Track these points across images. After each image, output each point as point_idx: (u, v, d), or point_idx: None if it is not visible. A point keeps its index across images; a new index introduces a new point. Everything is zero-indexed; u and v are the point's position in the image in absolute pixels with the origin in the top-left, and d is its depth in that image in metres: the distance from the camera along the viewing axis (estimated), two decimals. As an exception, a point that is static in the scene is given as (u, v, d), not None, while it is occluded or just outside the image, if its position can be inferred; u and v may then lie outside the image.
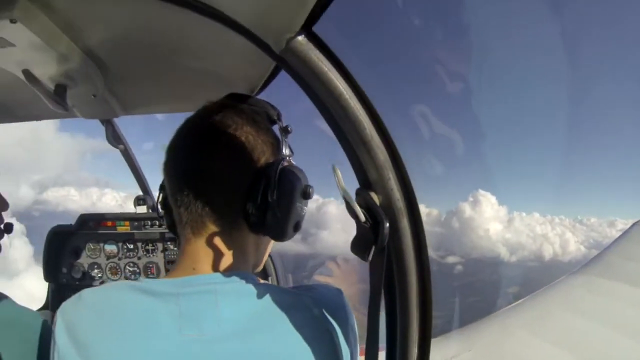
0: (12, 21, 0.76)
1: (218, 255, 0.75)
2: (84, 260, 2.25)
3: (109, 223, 2.27)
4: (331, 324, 0.74)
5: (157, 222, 2.26)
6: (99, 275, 2.27)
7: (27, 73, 1.00)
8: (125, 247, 2.27)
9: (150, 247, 2.28)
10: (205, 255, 0.75)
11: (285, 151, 0.79)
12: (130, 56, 1.08)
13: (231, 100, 0.87)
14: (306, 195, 0.77)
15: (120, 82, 1.22)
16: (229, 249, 0.76)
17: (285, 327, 0.70)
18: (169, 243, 2.28)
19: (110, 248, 2.27)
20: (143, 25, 0.90)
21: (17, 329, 0.97)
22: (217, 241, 0.75)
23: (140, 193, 2.46)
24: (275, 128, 0.86)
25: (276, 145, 0.81)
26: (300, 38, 0.69)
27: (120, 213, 2.32)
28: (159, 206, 0.93)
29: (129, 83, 1.26)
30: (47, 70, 1.03)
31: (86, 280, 2.25)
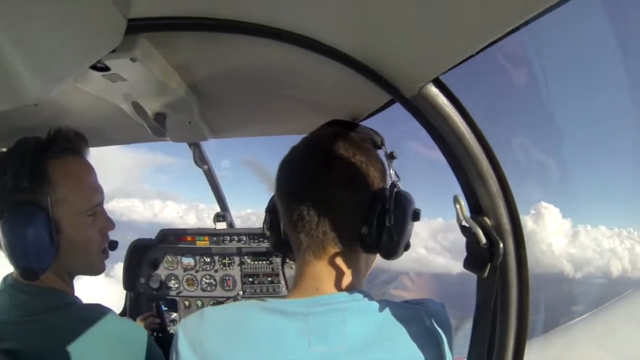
0: (133, 60, 0.83)
1: (338, 276, 0.81)
2: (162, 271, 2.36)
3: (189, 238, 2.37)
4: (440, 334, 0.82)
5: (236, 238, 2.35)
6: (176, 286, 2.37)
7: (135, 104, 1.09)
8: (202, 260, 2.37)
9: (227, 261, 2.37)
10: (327, 277, 0.81)
11: (393, 176, 0.87)
12: (230, 87, 1.16)
13: (336, 127, 0.95)
14: (416, 218, 0.85)
15: (214, 108, 1.30)
16: (348, 268, 0.82)
17: (404, 338, 0.77)
18: (245, 257, 2.36)
19: (188, 261, 2.37)
20: (250, 61, 0.97)
21: (128, 344, 1.07)
22: (337, 263, 0.81)
23: (219, 210, 2.61)
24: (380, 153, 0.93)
25: (383, 170, 0.88)
26: (431, 86, 0.79)
27: (200, 228, 2.43)
28: (265, 226, 0.99)
29: (222, 109, 1.35)
30: (151, 102, 1.12)
31: (163, 290, 2.35)
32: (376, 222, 0.80)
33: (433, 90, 0.80)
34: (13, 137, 1.08)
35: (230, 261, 2.37)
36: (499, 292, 0.93)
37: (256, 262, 2.35)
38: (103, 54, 0.76)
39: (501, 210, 0.90)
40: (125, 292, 2.36)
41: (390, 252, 0.83)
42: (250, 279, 2.35)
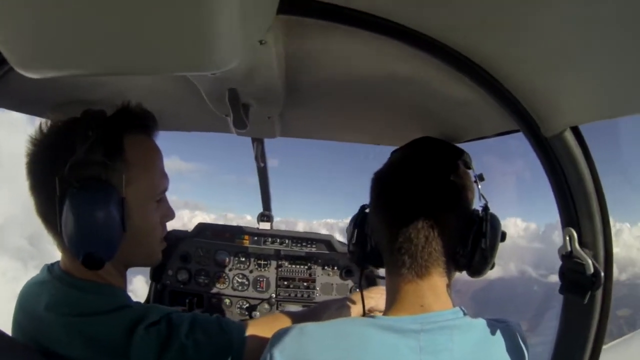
0: (261, 42, 0.77)
1: (439, 294, 0.84)
2: (192, 265, 2.28)
3: (227, 235, 2.32)
4: (524, 351, 0.88)
5: (278, 240, 2.30)
6: (206, 282, 2.28)
7: (232, 92, 1.02)
8: (237, 259, 2.30)
9: (262, 262, 2.31)
10: (429, 294, 0.83)
11: (483, 198, 0.90)
12: (331, 87, 1.13)
13: (431, 146, 0.95)
14: (503, 239, 0.89)
15: (298, 106, 1.26)
16: (445, 286, 0.86)
17: (501, 352, 0.83)
18: (283, 261, 2.31)
19: (221, 258, 2.29)
20: (371, 64, 0.96)
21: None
22: (438, 282, 0.85)
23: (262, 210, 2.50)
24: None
25: (474, 192, 0.91)
26: (569, 130, 0.83)
27: (242, 227, 2.37)
28: (351, 240, 0.98)
29: (306, 108, 1.31)
30: (243, 91, 1.05)
31: (191, 285, 2.27)
32: (471, 243, 0.84)
33: (569, 134, 0.84)
34: (69, 111, 0.97)
35: (266, 263, 2.32)
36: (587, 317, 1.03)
37: (294, 266, 2.31)
38: (270, 18, 0.70)
39: (600, 244, 0.97)
40: (149, 282, 2.30)
41: (480, 272, 0.89)
42: (286, 282, 2.31)
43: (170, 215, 1.08)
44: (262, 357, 0.78)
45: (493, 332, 0.83)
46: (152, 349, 0.90)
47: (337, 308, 1.40)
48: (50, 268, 0.98)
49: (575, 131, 0.87)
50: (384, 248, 0.88)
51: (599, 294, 1.01)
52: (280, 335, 0.78)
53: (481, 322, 0.84)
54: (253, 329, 1.08)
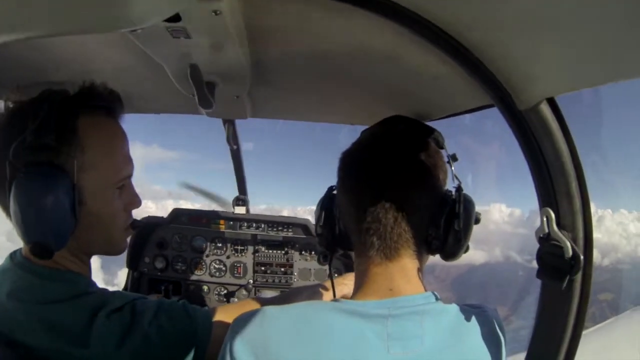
0: (216, 12, 0.73)
1: (410, 277, 0.81)
2: (169, 252, 2.23)
3: (204, 220, 2.27)
4: (500, 336, 0.85)
5: (253, 224, 2.27)
6: (183, 268, 2.25)
7: (193, 67, 0.98)
8: (213, 244, 2.27)
9: (239, 247, 2.28)
10: (400, 278, 0.79)
11: (456, 179, 0.87)
12: (299, 65, 1.08)
13: (403, 124, 0.91)
14: (477, 221, 0.87)
15: (267, 86, 1.22)
16: (417, 270, 0.82)
17: (475, 340, 0.80)
18: (260, 246, 2.28)
19: (198, 244, 2.25)
20: (340, 38, 0.91)
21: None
22: (409, 264, 0.81)
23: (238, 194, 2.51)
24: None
25: (447, 172, 0.88)
26: (545, 102, 0.79)
27: (217, 211, 2.34)
28: (318, 223, 0.94)
29: (275, 88, 1.27)
30: (208, 68, 1.01)
31: (168, 272, 2.23)
32: (444, 225, 0.81)
33: (546, 107, 0.79)
34: (33, 92, 0.93)
35: (243, 248, 2.28)
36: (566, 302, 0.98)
37: (270, 251, 2.28)
38: None
39: (579, 226, 0.92)
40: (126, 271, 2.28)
41: (453, 255, 0.85)
42: (263, 268, 2.28)
43: (136, 202, 1.03)
44: (224, 343, 0.75)
45: (467, 319, 0.80)
46: (113, 336, 0.87)
47: (309, 294, 1.37)
48: (13, 255, 0.94)
49: (552, 104, 0.81)
50: (352, 230, 0.85)
51: (579, 278, 0.96)
52: (241, 320, 0.76)
53: (454, 308, 0.80)
54: (220, 315, 1.06)
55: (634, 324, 4.22)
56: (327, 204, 0.93)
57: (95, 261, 1.08)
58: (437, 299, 0.80)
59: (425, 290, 0.81)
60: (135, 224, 1.06)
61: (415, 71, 1.01)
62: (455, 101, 1.14)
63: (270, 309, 0.76)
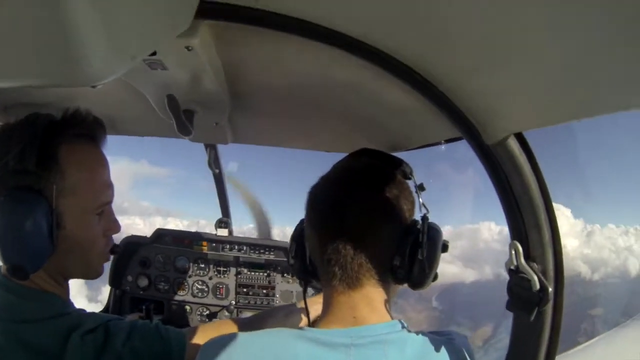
0: (188, 48, 0.75)
1: (374, 306, 0.80)
2: (152, 271, 2.23)
3: (186, 241, 2.27)
4: None
5: (236, 247, 2.27)
6: (165, 288, 2.23)
7: (170, 98, 1.00)
8: (196, 265, 2.26)
9: (222, 269, 2.27)
10: (363, 307, 0.79)
11: (423, 208, 0.87)
12: (273, 93, 1.10)
13: (369, 157, 0.93)
14: (445, 250, 0.87)
15: (246, 112, 1.23)
16: (381, 298, 0.82)
17: None
18: (242, 267, 2.28)
19: (181, 264, 2.25)
20: (309, 70, 0.93)
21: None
22: (372, 293, 0.81)
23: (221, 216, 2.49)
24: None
25: (414, 202, 0.88)
26: (513, 137, 0.80)
27: (200, 233, 2.34)
28: (290, 254, 0.96)
29: (254, 115, 1.28)
30: (184, 96, 1.03)
31: (150, 291, 2.22)
32: (408, 255, 0.81)
33: (513, 141, 0.80)
34: (19, 113, 0.93)
35: (225, 269, 2.28)
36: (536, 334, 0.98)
37: (253, 273, 2.28)
38: (173, 35, 0.67)
39: (549, 257, 0.93)
40: (110, 288, 2.26)
41: (420, 284, 0.85)
42: (245, 290, 2.28)
43: (115, 228, 1.04)
44: None
45: (435, 347, 0.79)
46: (87, 357, 0.88)
47: (284, 315, 1.37)
48: None
49: (520, 138, 0.82)
50: (317, 260, 0.86)
51: (549, 309, 0.96)
52: (210, 345, 0.77)
53: (419, 337, 0.79)
54: (195, 337, 1.06)
55: (619, 342, 4.23)
56: (297, 236, 0.95)
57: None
58: (403, 327, 0.79)
59: (392, 319, 0.81)
60: (114, 249, 1.07)
61: (385, 104, 1.02)
62: (426, 133, 1.15)
63: (241, 337, 0.77)
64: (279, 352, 0.74)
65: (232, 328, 1.19)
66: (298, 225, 0.97)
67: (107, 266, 2.13)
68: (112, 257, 1.07)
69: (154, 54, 0.77)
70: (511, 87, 0.70)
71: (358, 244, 0.79)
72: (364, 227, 0.80)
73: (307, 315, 1.13)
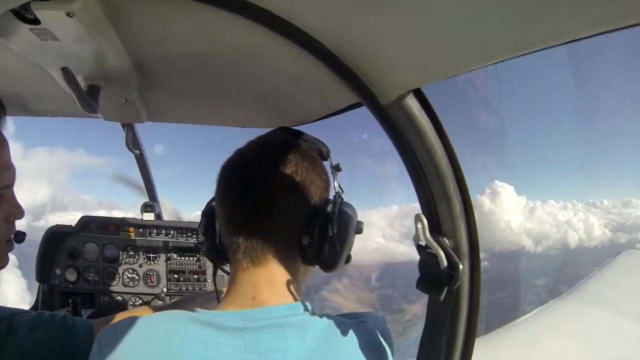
0: (69, 15, 0.70)
1: (277, 285, 0.77)
2: (81, 263, 2.14)
3: (112, 227, 2.19)
4: (384, 347, 0.80)
5: (163, 231, 2.21)
6: (95, 279, 2.15)
7: (65, 71, 0.95)
8: (125, 253, 2.19)
9: (152, 255, 2.21)
10: (265, 285, 0.76)
11: (338, 188, 0.84)
12: (180, 67, 1.04)
13: (284, 134, 0.91)
14: (359, 231, 0.84)
15: (156, 88, 1.18)
16: (287, 278, 0.78)
17: (351, 352, 0.75)
18: (172, 253, 2.22)
19: (110, 252, 2.17)
20: (211, 38, 0.88)
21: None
22: (276, 272, 0.77)
23: (148, 200, 2.39)
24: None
25: (328, 182, 0.86)
26: (410, 95, 0.72)
27: (126, 218, 2.25)
28: (200, 230, 0.94)
29: (165, 90, 1.22)
30: (85, 70, 0.98)
31: (80, 284, 2.13)
32: (318, 233, 0.77)
33: (412, 100, 0.73)
34: None
35: (155, 256, 2.21)
36: (449, 313, 0.91)
37: (183, 258, 2.21)
38: None
39: (462, 232, 0.85)
40: (38, 284, 2.16)
41: (331, 265, 0.81)
42: (176, 276, 2.21)
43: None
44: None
45: (341, 331, 0.75)
46: None
47: (204, 301, 1.34)
48: None
49: (419, 96, 0.73)
50: (224, 235, 0.82)
51: (465, 288, 0.88)
52: (105, 331, 0.73)
53: (324, 320, 0.75)
54: (105, 325, 1.01)
55: (557, 315, 4.49)
56: (207, 213, 0.92)
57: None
58: (306, 309, 0.75)
59: (296, 301, 0.77)
60: (19, 236, 1.01)
61: (283, 72, 0.96)
62: (328, 101, 1.07)
63: (128, 319, 0.73)
64: (172, 335, 0.70)
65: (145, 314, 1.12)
66: (208, 202, 0.94)
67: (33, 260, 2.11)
68: (15, 245, 1.00)
69: (36, 21, 0.71)
70: (398, 36, 0.62)
71: (263, 214, 0.76)
72: (269, 199, 0.77)
73: (217, 297, 1.09)
